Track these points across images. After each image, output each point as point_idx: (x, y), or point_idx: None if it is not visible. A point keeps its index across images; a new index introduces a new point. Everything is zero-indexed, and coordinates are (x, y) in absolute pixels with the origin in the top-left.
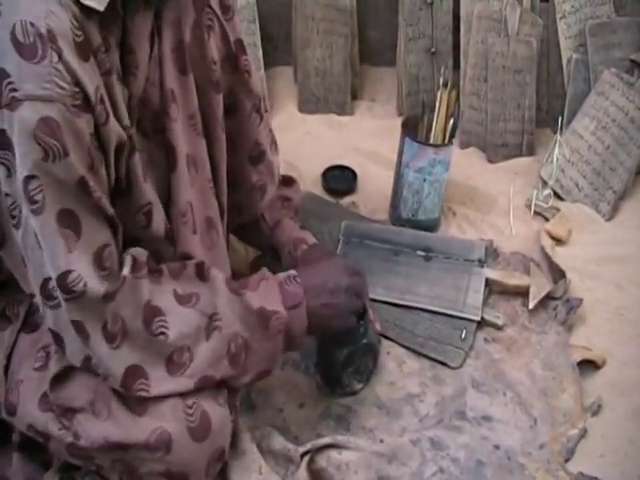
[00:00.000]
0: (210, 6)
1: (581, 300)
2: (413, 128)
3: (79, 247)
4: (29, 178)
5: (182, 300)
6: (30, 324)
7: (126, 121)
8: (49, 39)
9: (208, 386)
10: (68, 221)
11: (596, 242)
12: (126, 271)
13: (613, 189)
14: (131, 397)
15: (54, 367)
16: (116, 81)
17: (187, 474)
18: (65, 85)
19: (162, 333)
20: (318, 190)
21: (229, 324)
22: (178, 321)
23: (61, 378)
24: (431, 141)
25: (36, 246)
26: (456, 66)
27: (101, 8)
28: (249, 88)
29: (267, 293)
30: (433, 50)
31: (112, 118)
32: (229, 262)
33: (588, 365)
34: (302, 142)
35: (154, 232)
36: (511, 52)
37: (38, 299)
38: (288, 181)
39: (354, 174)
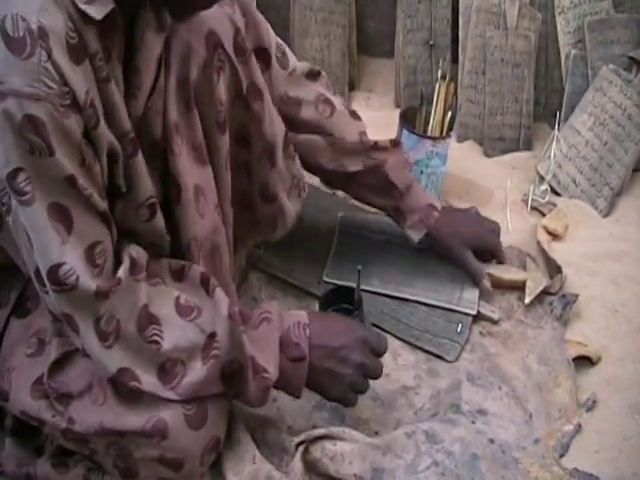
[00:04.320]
0: (223, 47)
1: (577, 296)
2: (411, 120)
3: (71, 241)
4: (17, 170)
5: (182, 311)
6: (22, 309)
7: (126, 126)
8: (39, 36)
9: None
10: (59, 215)
11: (592, 238)
12: (122, 272)
13: (610, 185)
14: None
15: (54, 352)
16: (116, 90)
17: (182, 461)
18: (53, 85)
19: (155, 342)
20: (315, 179)
21: (227, 352)
22: (175, 334)
23: (60, 363)
24: (429, 133)
25: (25, 236)
26: (454, 59)
27: (98, 17)
28: (261, 133)
29: (265, 341)
30: (431, 42)
31: (102, 124)
32: (233, 285)
33: (583, 361)
34: None
35: (156, 223)
36: (510, 46)
37: (35, 284)
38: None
39: None
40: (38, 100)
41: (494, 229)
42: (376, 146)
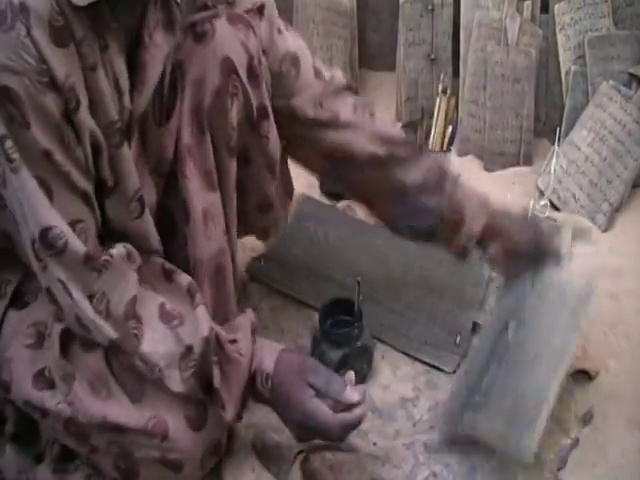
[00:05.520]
0: (237, 73)
1: None
2: (412, 134)
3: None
4: (4, 138)
5: (165, 317)
6: (20, 302)
7: (113, 116)
8: (20, 11)
9: None
10: (42, 186)
11: (592, 253)
12: (115, 251)
13: (609, 201)
14: (130, 380)
15: (57, 343)
16: (104, 79)
17: (182, 462)
18: (31, 60)
19: (135, 336)
20: (315, 192)
21: (200, 369)
22: (155, 337)
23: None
24: (429, 147)
25: (18, 204)
26: (455, 73)
27: (81, 3)
28: (265, 151)
29: (234, 381)
30: (433, 57)
31: (84, 111)
32: (235, 305)
33: (582, 375)
34: None
35: (146, 221)
36: (510, 61)
37: (32, 261)
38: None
39: None
40: (15, 73)
41: (539, 230)
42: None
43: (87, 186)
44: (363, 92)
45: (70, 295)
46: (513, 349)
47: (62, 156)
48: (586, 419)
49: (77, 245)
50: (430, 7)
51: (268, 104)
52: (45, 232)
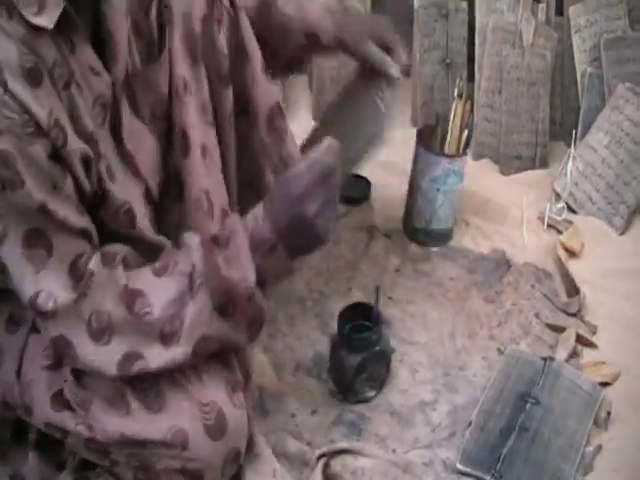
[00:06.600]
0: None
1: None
2: (427, 138)
3: (51, 264)
4: None
5: (160, 272)
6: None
7: (90, 127)
8: None
9: (209, 348)
10: (36, 240)
11: (609, 256)
12: (93, 264)
13: (626, 203)
14: (149, 391)
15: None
16: (77, 92)
17: (202, 472)
18: (13, 115)
19: (147, 313)
20: None
21: (210, 278)
22: (159, 293)
23: (77, 376)
24: (445, 151)
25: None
26: (471, 78)
27: (50, 25)
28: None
29: (237, 257)
30: (448, 61)
31: (71, 137)
32: None
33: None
34: None
35: (141, 231)
36: (526, 65)
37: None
38: None
39: (368, 182)
40: (1, 134)
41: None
42: None
43: (84, 221)
44: None
45: (69, 346)
46: (532, 424)
47: (56, 202)
48: (603, 419)
49: (66, 297)
50: (444, 12)
51: (249, 43)
52: (33, 299)
